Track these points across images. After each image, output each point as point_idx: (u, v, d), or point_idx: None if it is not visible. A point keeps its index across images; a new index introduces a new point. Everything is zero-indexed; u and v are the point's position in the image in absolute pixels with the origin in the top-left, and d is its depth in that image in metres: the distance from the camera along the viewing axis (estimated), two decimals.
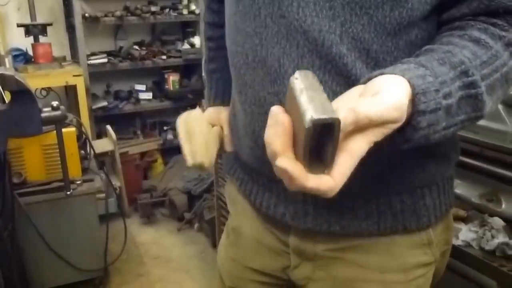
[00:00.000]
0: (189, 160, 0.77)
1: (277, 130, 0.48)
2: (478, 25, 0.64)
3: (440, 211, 0.77)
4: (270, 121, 0.49)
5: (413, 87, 0.52)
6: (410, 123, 0.53)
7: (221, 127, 0.94)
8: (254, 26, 0.72)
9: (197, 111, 0.82)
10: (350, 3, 0.64)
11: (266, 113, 0.72)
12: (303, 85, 0.47)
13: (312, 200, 0.76)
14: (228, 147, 0.93)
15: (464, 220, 1.32)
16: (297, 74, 0.50)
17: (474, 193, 1.32)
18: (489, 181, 1.29)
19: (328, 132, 0.45)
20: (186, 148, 0.76)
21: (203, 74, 3.57)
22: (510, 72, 0.63)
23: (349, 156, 0.49)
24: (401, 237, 0.76)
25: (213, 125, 0.95)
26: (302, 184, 0.48)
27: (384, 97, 0.50)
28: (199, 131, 0.79)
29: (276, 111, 0.49)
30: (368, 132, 0.50)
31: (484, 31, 0.63)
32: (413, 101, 0.52)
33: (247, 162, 0.86)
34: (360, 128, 0.49)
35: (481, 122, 1.33)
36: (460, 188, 1.32)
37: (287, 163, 0.47)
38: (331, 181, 0.48)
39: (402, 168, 0.73)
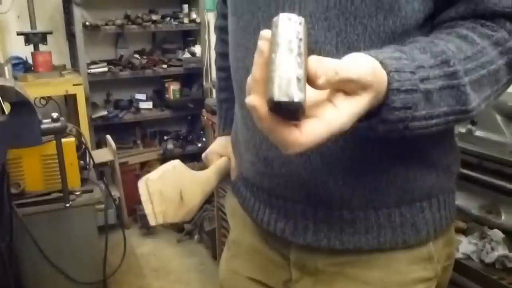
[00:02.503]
0: (151, 221, 0.77)
1: (259, 59, 0.47)
2: (467, 25, 0.65)
3: (440, 225, 0.78)
4: (257, 47, 0.48)
5: (385, 66, 0.53)
6: (384, 102, 0.54)
7: (228, 158, 0.96)
8: (254, 40, 0.73)
9: (171, 164, 0.82)
10: (345, 13, 0.66)
11: None
12: (279, 40, 0.45)
13: (312, 214, 0.77)
14: (234, 176, 0.95)
15: (464, 232, 1.34)
16: (278, 19, 0.46)
17: (474, 205, 1.33)
18: (488, 192, 1.31)
19: (291, 108, 0.44)
20: (148, 209, 0.77)
21: (203, 83, 3.62)
22: (500, 71, 0.64)
23: (322, 122, 0.48)
24: (401, 252, 0.76)
25: (221, 155, 0.98)
26: (270, 125, 0.47)
27: (351, 57, 0.51)
28: (172, 187, 0.79)
29: (263, 36, 0.47)
30: (341, 104, 0.49)
31: (472, 29, 0.64)
32: (388, 81, 0.53)
33: (248, 178, 0.87)
34: (332, 93, 0.50)
35: (480, 134, 1.37)
36: (460, 200, 1.34)
37: (257, 101, 0.46)
38: (300, 135, 0.47)
39: (402, 179, 0.73)
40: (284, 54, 0.44)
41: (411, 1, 0.66)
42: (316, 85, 0.47)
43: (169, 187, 0.79)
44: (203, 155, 1.03)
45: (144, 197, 0.77)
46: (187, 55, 3.68)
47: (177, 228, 3.21)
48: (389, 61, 0.54)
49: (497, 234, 1.27)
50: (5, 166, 1.72)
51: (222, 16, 1.06)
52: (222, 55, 1.04)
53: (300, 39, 0.45)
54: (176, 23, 3.57)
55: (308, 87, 0.47)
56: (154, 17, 3.47)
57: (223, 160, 0.96)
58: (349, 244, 0.76)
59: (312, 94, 0.49)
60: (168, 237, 3.21)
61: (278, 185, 0.78)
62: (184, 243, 3.13)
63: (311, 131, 0.47)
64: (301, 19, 0.46)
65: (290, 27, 0.45)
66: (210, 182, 0.90)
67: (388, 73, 0.53)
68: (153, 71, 3.53)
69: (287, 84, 0.43)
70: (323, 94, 0.50)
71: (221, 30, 1.05)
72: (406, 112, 0.55)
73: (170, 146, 3.71)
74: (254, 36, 0.74)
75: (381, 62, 0.53)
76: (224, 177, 0.95)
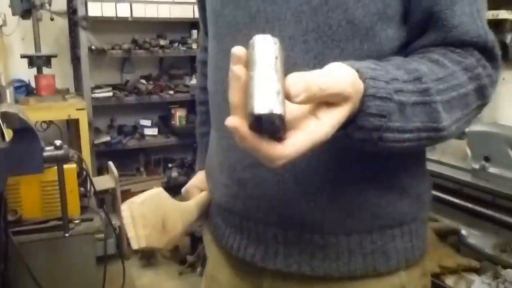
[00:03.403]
0: (134, 245, 0.81)
1: (236, 84, 0.50)
2: (438, 51, 0.71)
3: (413, 255, 0.81)
4: (230, 73, 0.50)
5: (361, 74, 0.57)
6: (360, 109, 0.57)
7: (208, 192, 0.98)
8: None
9: (155, 191, 0.86)
10: (322, 36, 0.71)
11: None
12: (257, 60, 0.48)
13: (283, 238, 0.79)
14: None
15: (477, 271, 1.34)
16: (254, 41, 0.50)
17: (487, 243, 1.34)
18: (502, 231, 1.32)
19: (272, 121, 0.47)
20: (131, 232, 0.81)
21: None
22: (469, 96, 0.70)
23: (304, 134, 0.51)
24: (372, 280, 0.79)
25: (201, 190, 1.00)
26: (253, 143, 0.49)
27: (330, 70, 0.54)
28: (155, 213, 0.83)
29: (236, 55, 0.50)
30: (323, 115, 0.52)
31: (443, 55, 0.70)
32: (364, 88, 0.57)
33: (221, 204, 0.90)
34: (314, 105, 0.53)
35: (494, 170, 1.38)
36: (473, 238, 1.35)
37: (237, 121, 0.49)
38: (283, 148, 0.50)
39: (373, 204, 0.76)
40: (262, 70, 0.47)
41: (385, 28, 0.72)
42: (296, 102, 0.49)
43: (153, 212, 0.83)
44: (183, 189, 1.06)
45: (127, 220, 0.81)
46: (194, 81, 3.71)
47: (179, 259, 3.20)
48: (365, 70, 0.58)
49: (511, 274, 1.27)
50: (3, 192, 1.72)
51: (205, 49, 1.08)
52: (203, 89, 1.06)
53: (276, 57, 0.48)
54: (184, 48, 3.63)
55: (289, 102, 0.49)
56: (162, 42, 3.54)
57: (203, 194, 0.98)
58: (319, 270, 0.78)
59: (294, 109, 0.52)
60: (169, 269, 3.19)
61: (251, 207, 0.81)
62: (186, 275, 3.10)
63: (295, 143, 0.50)
64: (276, 40, 0.50)
65: (266, 46, 0.49)
66: (192, 214, 0.93)
67: (363, 80, 0.57)
68: (159, 97, 3.57)
69: (266, 97, 0.46)
70: (304, 108, 0.53)
71: (203, 64, 1.07)
72: (381, 121, 0.58)
73: (174, 174, 3.71)
74: None
75: (357, 70, 0.57)
76: (205, 211, 0.98)
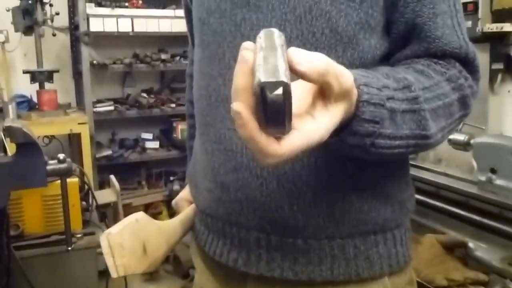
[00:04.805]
0: (113, 274, 0.83)
1: (243, 67, 0.49)
2: (422, 62, 0.74)
3: (397, 261, 0.81)
4: (239, 57, 0.50)
5: (355, 80, 0.56)
6: (355, 114, 0.58)
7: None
8: (219, 68, 0.80)
9: (133, 217, 0.88)
10: (306, 44, 0.73)
11: (225, 149, 0.79)
12: (264, 45, 0.49)
13: (266, 242, 0.79)
14: None
15: (485, 285, 1.32)
16: (261, 33, 0.51)
17: (495, 256, 1.32)
18: (510, 243, 1.30)
19: (279, 92, 0.46)
20: (109, 262, 0.82)
21: None
22: (453, 105, 0.72)
23: (300, 135, 0.51)
24: (356, 286, 0.79)
25: (190, 202, 1.00)
26: (251, 133, 0.48)
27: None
28: (134, 239, 0.85)
29: (246, 46, 0.50)
30: (320, 115, 0.52)
31: (427, 66, 0.73)
32: (358, 94, 0.57)
33: (204, 209, 0.90)
34: (311, 102, 0.53)
35: (500, 182, 1.37)
36: (481, 251, 1.34)
37: (242, 108, 0.48)
38: (278, 147, 0.50)
39: (356, 209, 0.77)
40: (269, 51, 0.48)
41: (368, 37, 0.75)
42: (298, 69, 0.49)
43: (131, 240, 0.85)
44: (173, 202, 1.07)
45: (105, 250, 0.83)
46: None
47: (182, 274, 3.17)
48: (358, 76, 0.59)
49: None
50: (6, 207, 1.71)
51: (193, 63, 1.08)
52: (192, 103, 1.07)
53: (282, 45, 0.50)
54: (186, 62, 3.63)
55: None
56: (163, 56, 3.55)
57: (191, 208, 0.98)
58: (302, 275, 0.78)
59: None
60: (171, 283, 3.17)
61: (233, 211, 0.81)
62: None
63: (290, 142, 0.50)
64: (281, 33, 0.52)
65: (272, 36, 0.51)
66: (176, 232, 0.94)
67: (357, 86, 0.57)
68: (160, 110, 3.58)
69: (273, 69, 0.46)
70: (302, 106, 0.53)
71: (191, 77, 1.08)
72: (374, 127, 0.59)
73: (176, 187, 3.70)
74: (218, 65, 0.81)
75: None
76: (191, 225, 0.97)
